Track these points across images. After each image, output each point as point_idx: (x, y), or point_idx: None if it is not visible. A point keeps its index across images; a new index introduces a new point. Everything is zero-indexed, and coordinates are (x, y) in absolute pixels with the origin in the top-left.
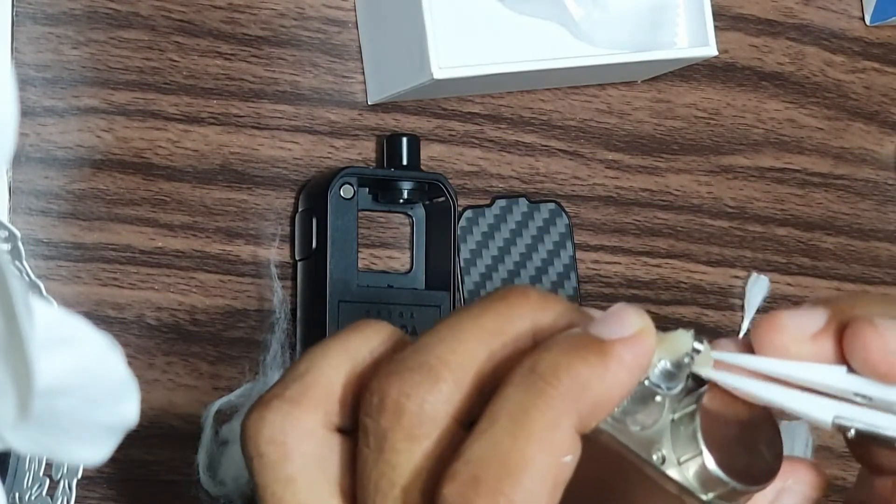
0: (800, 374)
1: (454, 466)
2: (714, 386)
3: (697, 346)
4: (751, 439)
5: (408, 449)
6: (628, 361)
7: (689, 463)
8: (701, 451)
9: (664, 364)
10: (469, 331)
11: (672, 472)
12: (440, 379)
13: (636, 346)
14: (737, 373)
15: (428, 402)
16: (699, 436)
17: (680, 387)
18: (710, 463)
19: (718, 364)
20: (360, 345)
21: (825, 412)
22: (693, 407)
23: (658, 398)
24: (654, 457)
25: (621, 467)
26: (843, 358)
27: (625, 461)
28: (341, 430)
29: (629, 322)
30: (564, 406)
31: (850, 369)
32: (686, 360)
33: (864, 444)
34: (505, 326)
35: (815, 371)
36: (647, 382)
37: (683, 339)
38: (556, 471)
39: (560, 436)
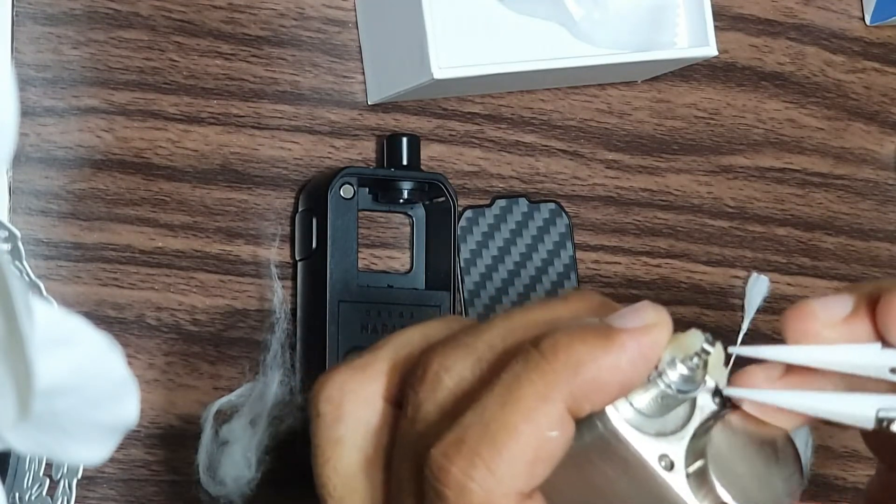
0: (834, 358)
1: (447, 431)
2: (741, 411)
3: (707, 346)
4: (766, 470)
5: (437, 421)
6: (630, 350)
7: (693, 472)
8: (706, 460)
9: (680, 367)
10: (519, 320)
11: (671, 479)
12: (481, 359)
13: (642, 337)
14: (757, 387)
15: (465, 379)
16: (707, 448)
17: (695, 392)
18: (711, 473)
19: (746, 376)
20: (438, 330)
21: (866, 408)
22: (712, 422)
23: (680, 408)
24: (662, 463)
25: (628, 467)
26: (876, 337)
27: (631, 461)
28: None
29: (643, 316)
30: (556, 381)
31: (885, 345)
32: (696, 360)
33: (888, 439)
34: (553, 320)
35: (850, 352)
36: (662, 384)
37: (694, 338)
38: (539, 443)
39: (548, 410)
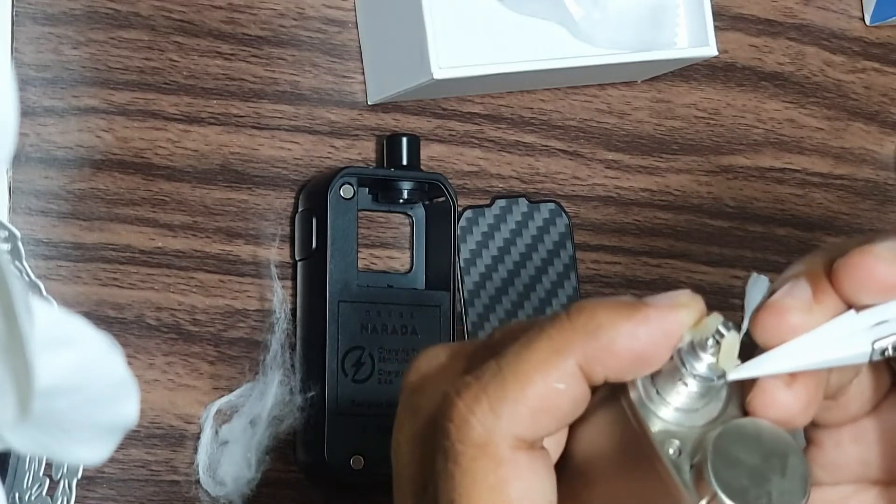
0: (821, 342)
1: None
2: (762, 419)
3: (722, 329)
4: (768, 478)
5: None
6: (652, 323)
7: (696, 464)
8: (706, 452)
9: (697, 349)
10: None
11: (674, 464)
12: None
13: (667, 314)
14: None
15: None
16: (713, 442)
17: (713, 380)
18: (708, 466)
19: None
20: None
21: (860, 344)
22: (730, 421)
23: (707, 407)
24: (671, 449)
25: (641, 450)
26: (846, 305)
27: (644, 444)
28: None
29: (676, 298)
30: (573, 338)
31: (858, 309)
32: (710, 342)
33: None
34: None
35: (831, 330)
36: (678, 365)
37: (713, 320)
38: (546, 393)
39: (559, 363)
